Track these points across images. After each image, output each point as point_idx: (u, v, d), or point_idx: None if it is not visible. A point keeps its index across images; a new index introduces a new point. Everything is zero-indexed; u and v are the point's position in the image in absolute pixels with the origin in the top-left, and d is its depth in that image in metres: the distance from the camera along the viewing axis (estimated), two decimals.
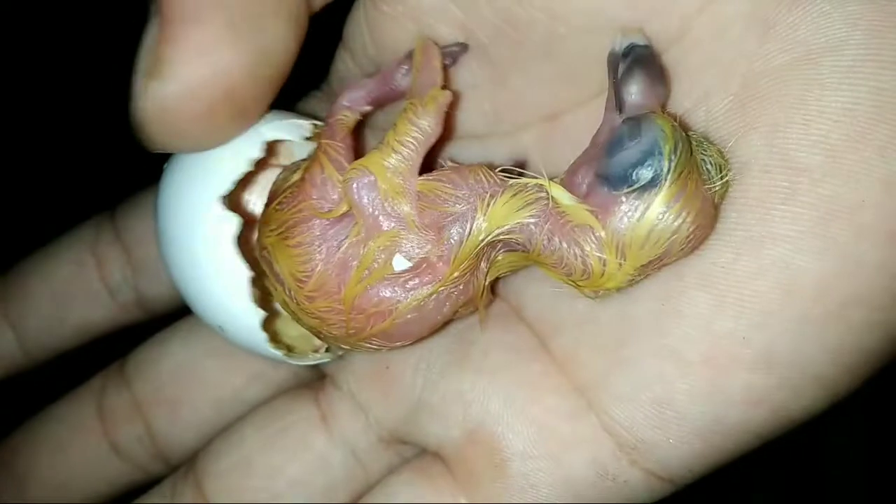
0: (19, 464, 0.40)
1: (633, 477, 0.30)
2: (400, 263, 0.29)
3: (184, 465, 0.37)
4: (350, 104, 0.32)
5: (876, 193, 0.26)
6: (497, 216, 0.28)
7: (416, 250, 0.29)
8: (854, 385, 0.28)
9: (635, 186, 0.26)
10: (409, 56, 0.32)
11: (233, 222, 0.31)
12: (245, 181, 0.32)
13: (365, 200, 0.29)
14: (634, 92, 0.27)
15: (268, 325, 0.32)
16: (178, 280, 0.33)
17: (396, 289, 0.29)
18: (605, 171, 0.27)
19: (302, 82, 0.36)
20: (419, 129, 0.29)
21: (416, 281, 0.29)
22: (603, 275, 0.27)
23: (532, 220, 0.28)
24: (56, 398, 0.41)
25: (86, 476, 0.40)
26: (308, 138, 0.33)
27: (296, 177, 0.31)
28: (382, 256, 0.29)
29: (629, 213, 0.27)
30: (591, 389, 0.30)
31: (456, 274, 0.29)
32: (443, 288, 0.29)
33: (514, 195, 0.29)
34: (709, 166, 0.27)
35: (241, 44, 0.28)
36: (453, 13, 0.30)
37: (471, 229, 0.29)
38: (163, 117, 0.28)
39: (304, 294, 0.29)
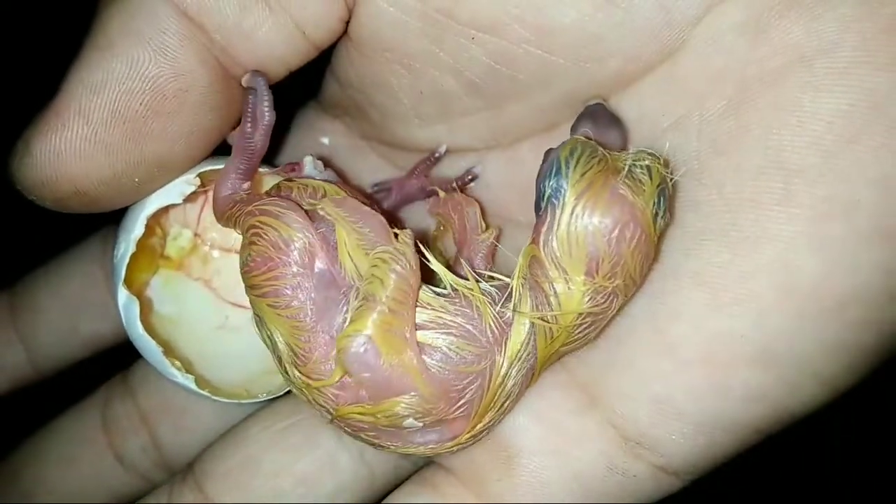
0: (25, 477, 0.40)
1: (641, 471, 0.30)
2: (411, 423, 0.28)
3: (180, 472, 0.37)
4: (233, 191, 0.32)
5: (870, 193, 0.27)
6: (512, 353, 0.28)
7: (430, 415, 0.28)
8: (852, 381, 0.29)
9: (546, 197, 0.28)
10: (417, 170, 0.33)
11: (136, 305, 0.33)
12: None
13: (366, 373, 0.27)
14: (578, 134, 0.29)
15: (204, 382, 0.35)
16: None
17: (405, 437, 0.29)
18: (535, 202, 0.29)
19: (302, 90, 0.36)
20: (400, 273, 0.28)
21: (432, 437, 0.29)
22: (560, 301, 0.28)
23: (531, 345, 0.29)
24: (59, 412, 0.42)
25: (91, 487, 0.40)
26: (193, 192, 0.33)
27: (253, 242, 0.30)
28: (394, 416, 0.28)
29: (549, 225, 0.28)
30: (593, 387, 0.31)
31: (477, 429, 0.29)
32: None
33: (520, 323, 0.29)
34: (639, 171, 0.28)
35: (102, 156, 0.29)
36: (442, 58, 0.31)
37: (490, 383, 0.28)
38: (21, 189, 0.30)
39: (300, 370, 0.29)
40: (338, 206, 0.29)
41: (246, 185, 0.32)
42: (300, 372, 0.29)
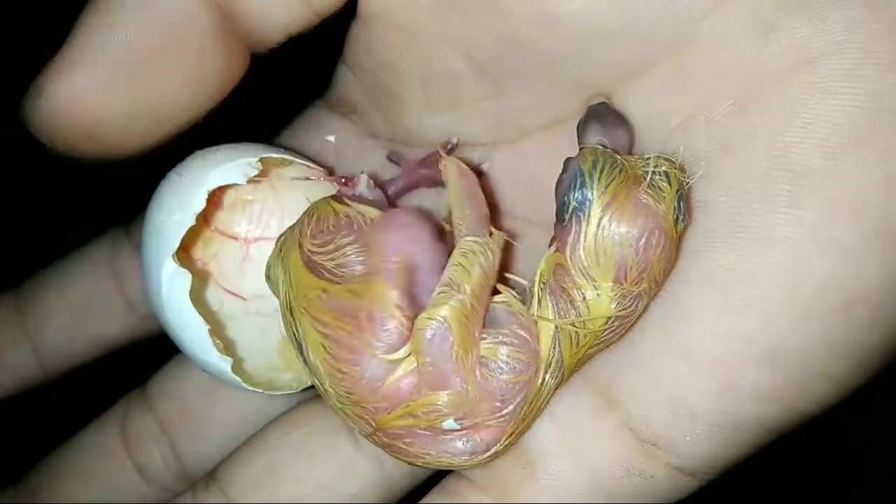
0: (43, 495, 0.40)
1: (658, 472, 0.31)
2: (450, 424, 0.29)
3: (202, 479, 0.37)
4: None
5: (877, 195, 0.27)
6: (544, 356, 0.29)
7: (471, 418, 0.29)
8: (861, 380, 0.30)
9: (571, 209, 0.28)
10: (428, 161, 0.33)
11: (186, 278, 0.32)
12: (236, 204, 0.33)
13: (434, 356, 0.28)
14: (593, 140, 0.30)
15: (238, 367, 0.34)
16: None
17: (440, 445, 0.29)
18: (556, 210, 0.29)
19: (306, 91, 0.36)
20: (485, 268, 0.29)
21: (465, 445, 0.29)
22: (590, 306, 0.29)
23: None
24: (77, 430, 0.41)
25: (111, 501, 0.40)
26: (253, 178, 0.33)
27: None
28: (436, 413, 0.28)
29: (576, 235, 0.28)
30: (608, 389, 0.31)
31: (513, 437, 0.29)
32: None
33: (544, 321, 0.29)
34: (658, 178, 0.28)
35: (116, 96, 0.29)
36: (451, 36, 0.31)
37: (530, 396, 0.29)
38: (35, 131, 0.30)
39: (335, 389, 0.29)
40: (458, 177, 0.30)
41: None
42: (338, 391, 0.29)
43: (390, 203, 0.35)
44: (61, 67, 0.29)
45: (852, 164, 0.27)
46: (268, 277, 0.32)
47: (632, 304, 0.29)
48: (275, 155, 0.33)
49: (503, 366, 0.29)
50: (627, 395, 0.31)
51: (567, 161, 0.29)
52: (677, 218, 0.28)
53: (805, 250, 0.28)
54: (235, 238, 0.35)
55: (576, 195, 0.28)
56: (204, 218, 0.35)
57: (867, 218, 0.27)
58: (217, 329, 0.35)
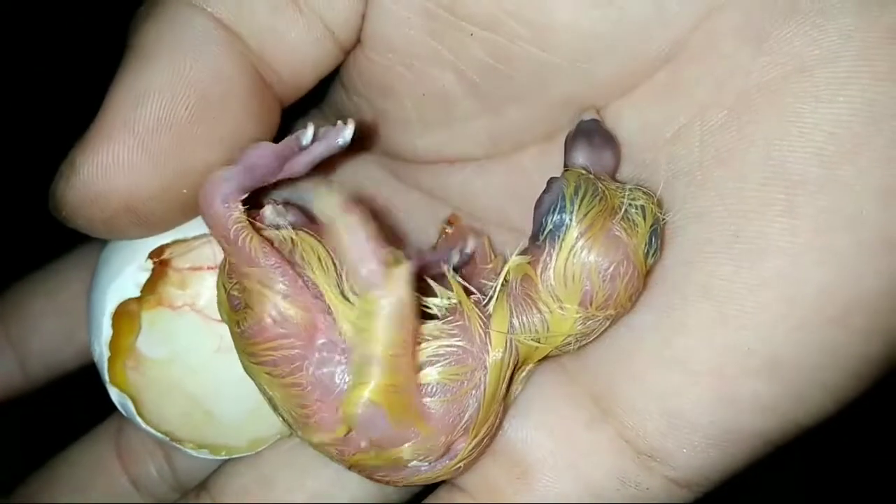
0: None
1: (654, 484, 0.30)
2: (415, 463, 0.29)
3: (192, 489, 0.37)
4: (229, 207, 0.29)
5: (873, 203, 0.27)
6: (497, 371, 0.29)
7: (433, 453, 0.29)
8: (859, 391, 0.29)
9: (547, 231, 0.29)
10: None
11: (128, 401, 0.34)
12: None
13: (375, 434, 0.28)
14: (579, 160, 0.30)
15: (217, 448, 0.36)
16: None
17: (413, 468, 0.29)
18: (532, 229, 0.30)
19: (301, 99, 0.36)
20: (394, 321, 0.27)
21: (436, 461, 0.29)
22: (554, 322, 0.29)
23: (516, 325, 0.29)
24: (70, 442, 0.41)
25: None
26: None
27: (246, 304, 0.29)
28: (399, 459, 0.29)
29: (548, 256, 0.29)
30: (603, 400, 0.31)
31: (479, 438, 0.29)
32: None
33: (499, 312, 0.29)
34: (634, 211, 0.29)
35: (150, 166, 0.29)
36: (443, 56, 0.31)
37: (483, 395, 0.29)
38: (68, 213, 0.29)
39: (301, 431, 0.29)
40: (341, 213, 0.27)
41: (242, 198, 0.30)
42: (302, 433, 0.29)
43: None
44: (94, 143, 0.28)
45: (849, 173, 0.27)
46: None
47: (596, 324, 0.29)
48: (163, 243, 0.33)
49: (449, 386, 0.28)
50: (623, 406, 0.30)
51: (550, 181, 0.30)
52: (648, 252, 0.29)
53: (802, 260, 0.28)
54: (203, 267, 0.35)
55: (554, 218, 0.29)
56: (167, 263, 0.34)
57: (864, 226, 0.27)
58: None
